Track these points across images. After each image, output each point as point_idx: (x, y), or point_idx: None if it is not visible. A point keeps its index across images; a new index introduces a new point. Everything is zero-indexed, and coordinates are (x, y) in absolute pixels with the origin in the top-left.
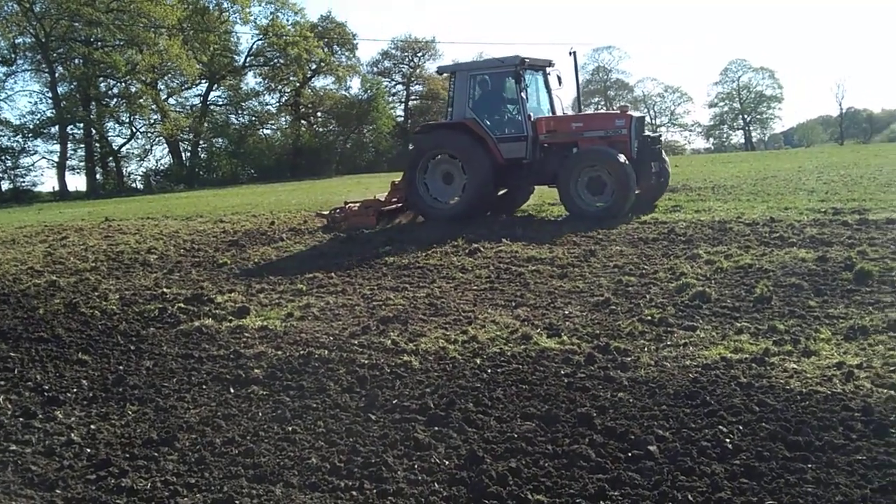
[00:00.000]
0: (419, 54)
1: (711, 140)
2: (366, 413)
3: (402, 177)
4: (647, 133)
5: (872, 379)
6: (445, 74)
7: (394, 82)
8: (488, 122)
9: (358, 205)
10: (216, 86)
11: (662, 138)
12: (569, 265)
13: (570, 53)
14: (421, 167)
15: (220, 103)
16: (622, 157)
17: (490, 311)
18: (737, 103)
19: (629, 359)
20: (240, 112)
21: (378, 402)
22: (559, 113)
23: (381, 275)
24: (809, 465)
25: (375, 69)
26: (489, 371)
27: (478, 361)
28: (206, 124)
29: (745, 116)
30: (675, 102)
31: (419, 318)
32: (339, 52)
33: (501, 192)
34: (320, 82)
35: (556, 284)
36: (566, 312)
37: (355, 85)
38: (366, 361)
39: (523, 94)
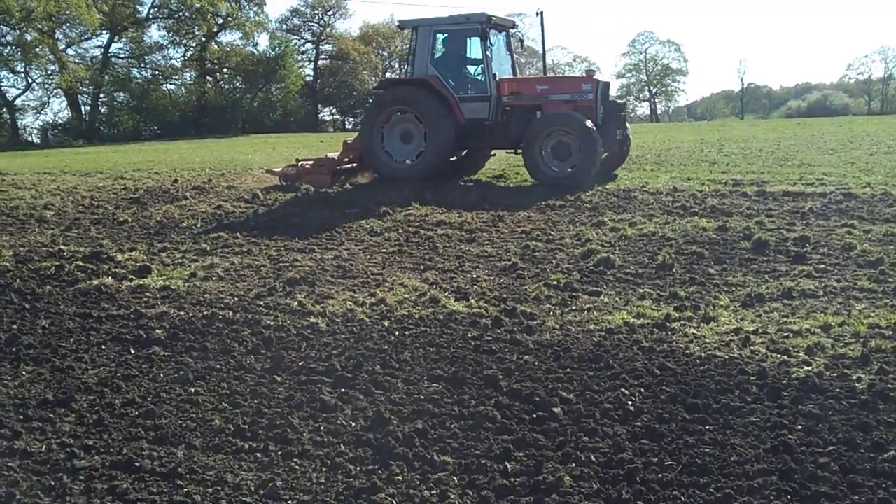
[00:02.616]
0: (330, 13)
1: None
2: (271, 375)
3: (356, 136)
4: (611, 99)
5: (767, 344)
6: (406, 30)
7: (303, 41)
8: (451, 81)
9: (311, 162)
10: (118, 37)
11: (628, 105)
12: (477, 230)
13: (538, 14)
14: (379, 124)
15: (122, 56)
16: (589, 123)
17: (398, 273)
18: (643, 75)
19: (535, 322)
20: (142, 66)
21: (284, 364)
22: (519, 75)
23: (288, 236)
24: (707, 427)
25: (284, 26)
26: (397, 333)
27: (385, 324)
28: (106, 77)
29: (651, 88)
30: (583, 72)
31: (327, 280)
32: (247, 7)
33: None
34: (227, 37)
35: (464, 248)
36: (474, 276)
37: (263, 42)
38: (271, 323)
39: (488, 53)
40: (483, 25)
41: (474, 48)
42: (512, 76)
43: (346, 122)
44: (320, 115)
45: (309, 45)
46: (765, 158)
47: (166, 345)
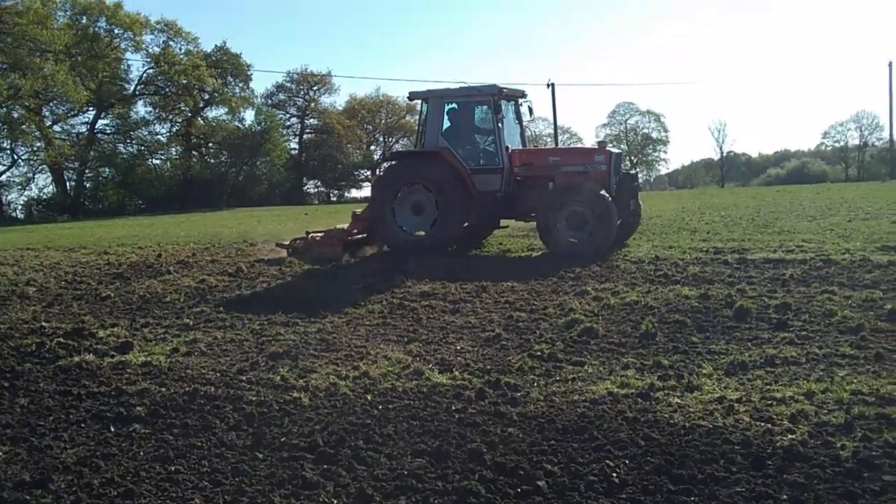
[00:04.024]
0: (315, 88)
1: None
2: (253, 451)
3: (365, 208)
4: (623, 171)
5: (751, 413)
6: (416, 101)
7: (288, 115)
8: (461, 152)
9: (321, 235)
10: (104, 114)
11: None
12: (461, 300)
13: (548, 86)
14: (390, 196)
15: (108, 132)
16: (604, 192)
17: (382, 346)
18: (624, 145)
19: (519, 394)
20: (128, 141)
21: (265, 440)
22: (528, 145)
23: (271, 310)
24: (693, 498)
25: (270, 101)
26: (380, 407)
27: (369, 398)
28: (92, 153)
29: (633, 158)
30: (565, 143)
31: (310, 353)
32: (233, 83)
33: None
34: (213, 113)
35: (448, 320)
36: (458, 348)
37: (249, 116)
38: (254, 398)
39: (500, 125)
40: (494, 98)
41: (485, 120)
42: (521, 145)
43: (331, 195)
44: (305, 188)
45: (294, 119)
46: (745, 226)
47: (147, 422)
